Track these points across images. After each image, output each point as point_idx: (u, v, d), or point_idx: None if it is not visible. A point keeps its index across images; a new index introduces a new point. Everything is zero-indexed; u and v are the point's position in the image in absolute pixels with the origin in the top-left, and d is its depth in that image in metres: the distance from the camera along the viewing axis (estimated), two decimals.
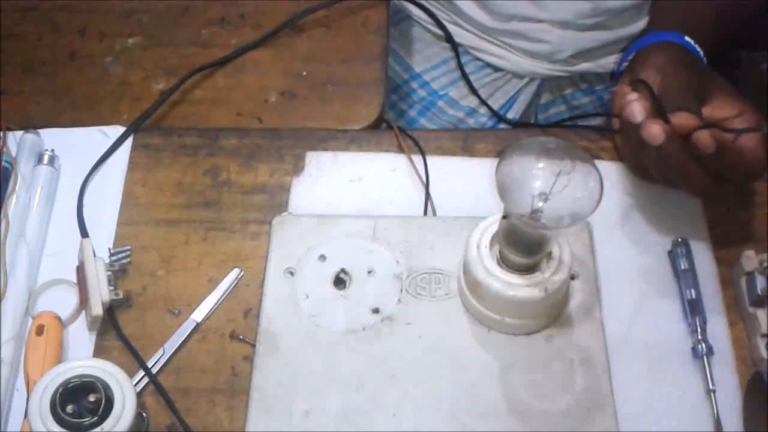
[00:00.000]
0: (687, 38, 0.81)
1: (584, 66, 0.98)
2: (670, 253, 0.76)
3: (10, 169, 0.79)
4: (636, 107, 0.71)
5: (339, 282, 0.74)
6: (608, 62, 0.98)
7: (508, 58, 0.99)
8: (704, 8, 0.85)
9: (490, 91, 1.01)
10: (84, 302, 0.72)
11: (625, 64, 0.85)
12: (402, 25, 1.04)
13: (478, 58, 1.01)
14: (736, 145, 0.70)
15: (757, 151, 0.70)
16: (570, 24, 0.94)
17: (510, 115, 1.01)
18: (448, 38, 0.98)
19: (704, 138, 0.68)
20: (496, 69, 1.00)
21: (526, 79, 1.00)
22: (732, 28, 0.89)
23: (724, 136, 0.69)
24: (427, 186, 0.80)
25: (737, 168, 0.71)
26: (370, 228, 0.76)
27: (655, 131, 0.69)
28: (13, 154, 0.80)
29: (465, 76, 0.96)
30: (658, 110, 0.71)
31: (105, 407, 0.62)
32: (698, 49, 0.81)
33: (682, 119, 0.70)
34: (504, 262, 0.68)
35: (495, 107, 0.99)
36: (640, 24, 0.93)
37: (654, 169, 0.74)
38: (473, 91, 0.96)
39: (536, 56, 0.98)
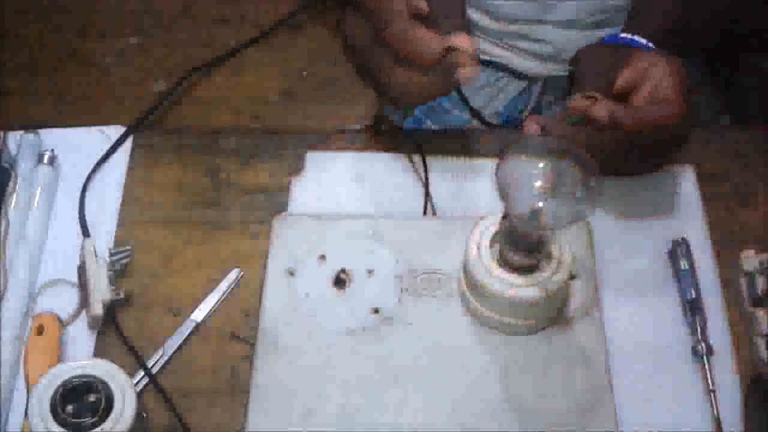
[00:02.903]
0: (622, 35, 0.79)
1: None
2: (670, 253, 0.76)
3: (10, 169, 0.78)
4: (578, 98, 0.71)
5: (339, 282, 0.74)
6: None
7: (512, 60, 0.99)
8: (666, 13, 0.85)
9: (494, 92, 1.01)
10: (84, 302, 0.72)
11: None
12: None
13: (481, 60, 1.00)
14: (651, 101, 0.70)
15: (672, 97, 0.70)
16: (573, 23, 0.94)
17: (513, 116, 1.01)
18: None
19: (595, 111, 0.69)
20: (500, 69, 1.00)
21: (530, 80, 1.00)
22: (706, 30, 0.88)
23: (616, 104, 0.70)
24: (426, 186, 0.80)
25: (660, 127, 0.71)
26: (370, 228, 0.76)
27: (530, 129, 0.71)
28: (13, 154, 0.80)
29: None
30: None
31: (105, 407, 0.62)
32: (638, 39, 0.79)
33: (574, 102, 0.70)
34: (504, 262, 0.68)
35: (499, 108, 0.99)
36: None
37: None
38: (464, 100, 0.95)
39: (540, 57, 0.98)
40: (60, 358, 0.70)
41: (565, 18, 0.94)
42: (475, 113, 0.93)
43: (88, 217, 0.78)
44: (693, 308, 0.72)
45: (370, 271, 0.74)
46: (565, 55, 0.96)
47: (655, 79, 0.72)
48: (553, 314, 0.71)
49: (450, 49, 0.69)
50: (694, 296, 0.73)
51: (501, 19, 0.96)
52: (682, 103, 0.71)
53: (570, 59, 0.80)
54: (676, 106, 0.71)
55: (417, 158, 0.82)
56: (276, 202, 0.80)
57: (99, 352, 0.72)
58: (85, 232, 0.77)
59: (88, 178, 0.81)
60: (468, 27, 0.78)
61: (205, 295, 0.74)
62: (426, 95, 0.73)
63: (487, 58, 1.00)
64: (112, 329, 0.72)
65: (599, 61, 0.75)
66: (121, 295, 0.73)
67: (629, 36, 0.79)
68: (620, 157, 0.74)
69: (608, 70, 0.74)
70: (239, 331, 0.73)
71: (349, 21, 0.73)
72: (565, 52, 0.96)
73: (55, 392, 0.62)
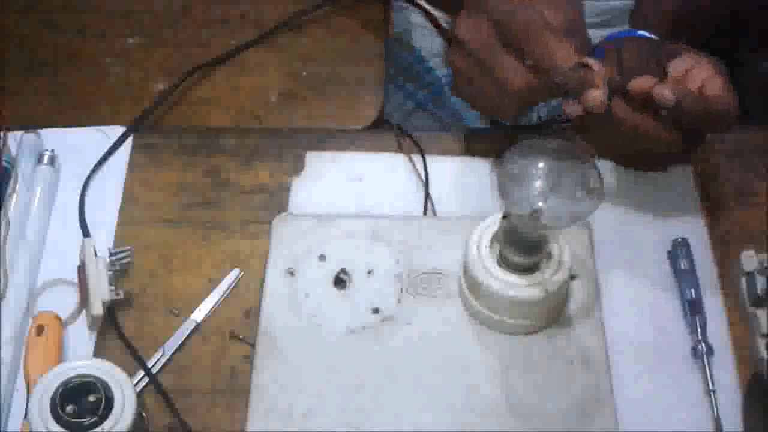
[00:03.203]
0: (640, 32, 0.79)
1: None
2: (670, 253, 0.76)
3: (10, 169, 0.78)
4: (569, 110, 0.70)
5: (339, 282, 0.74)
6: None
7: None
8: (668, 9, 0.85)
9: None
10: (84, 302, 0.72)
11: None
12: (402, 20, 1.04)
13: None
14: (701, 96, 0.69)
15: (723, 94, 0.70)
16: None
17: None
18: (446, 38, 0.98)
19: (662, 91, 0.68)
20: None
21: None
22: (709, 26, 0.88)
23: (685, 87, 0.69)
24: (426, 186, 0.80)
25: (707, 117, 0.70)
26: (370, 228, 0.76)
27: (593, 95, 0.67)
28: (13, 154, 0.80)
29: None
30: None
31: (105, 407, 0.62)
32: (653, 36, 0.79)
33: (637, 83, 0.69)
34: (504, 262, 0.68)
35: None
36: None
37: (624, 145, 0.73)
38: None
39: None
40: (60, 358, 0.70)
41: None
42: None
43: (88, 217, 0.78)
44: (693, 308, 0.72)
45: (370, 271, 0.74)
46: None
47: (701, 78, 0.71)
48: (553, 314, 0.71)
49: (582, 65, 0.68)
50: (694, 296, 0.73)
51: None
52: (733, 99, 0.71)
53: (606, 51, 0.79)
54: (730, 102, 0.71)
55: (417, 158, 0.82)
56: (276, 202, 0.80)
57: (99, 352, 0.72)
58: (85, 232, 0.77)
59: (88, 178, 0.81)
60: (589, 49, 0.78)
61: (205, 295, 0.74)
62: (535, 100, 0.74)
63: None
64: (112, 329, 0.73)
65: (636, 52, 0.74)
66: (121, 295, 0.73)
67: (628, 31, 0.79)
68: (663, 145, 0.72)
69: (647, 64, 0.73)
70: (239, 331, 0.72)
71: (465, 23, 0.73)
72: None
73: (55, 392, 0.62)
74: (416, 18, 1.03)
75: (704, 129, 0.73)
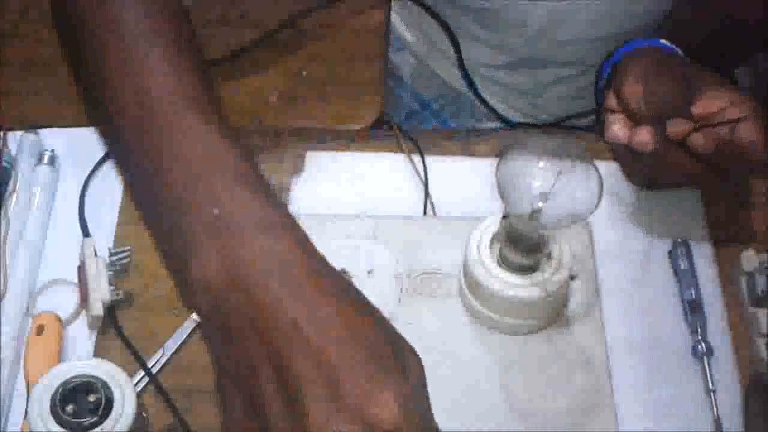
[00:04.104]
0: (662, 41, 0.78)
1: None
2: (670, 253, 0.76)
3: (10, 169, 0.78)
4: (616, 130, 0.70)
5: None
6: None
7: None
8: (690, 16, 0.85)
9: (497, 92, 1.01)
10: (84, 302, 0.72)
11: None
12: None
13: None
14: (734, 139, 0.68)
15: (756, 139, 0.68)
16: (579, 62, 0.94)
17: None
18: (449, 36, 0.97)
19: (699, 140, 0.67)
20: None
21: None
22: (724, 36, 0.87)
23: (719, 134, 0.68)
24: (426, 186, 0.80)
25: (739, 160, 0.69)
26: (370, 228, 0.76)
27: (644, 138, 0.68)
28: (13, 154, 0.80)
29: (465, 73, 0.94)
30: (644, 118, 0.70)
31: (105, 407, 0.62)
32: (676, 48, 0.78)
33: (675, 127, 0.68)
34: (504, 262, 0.68)
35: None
36: None
37: (655, 174, 0.74)
38: (476, 94, 0.95)
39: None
40: (60, 358, 0.70)
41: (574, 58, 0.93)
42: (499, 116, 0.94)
43: (88, 217, 0.78)
44: (693, 308, 0.72)
45: (370, 271, 0.74)
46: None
47: (735, 116, 0.69)
48: (553, 314, 0.71)
49: None
50: (694, 296, 0.73)
51: (507, 56, 0.98)
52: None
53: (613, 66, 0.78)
54: (763, 148, 0.69)
55: (417, 158, 0.82)
56: None
57: (99, 352, 0.72)
58: (85, 232, 0.77)
59: (88, 178, 0.81)
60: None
61: None
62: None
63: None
64: (112, 329, 0.72)
65: (666, 82, 0.72)
66: (121, 295, 0.73)
67: (651, 40, 0.78)
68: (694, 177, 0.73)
69: (683, 91, 0.71)
70: None
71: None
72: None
73: (55, 392, 0.62)
74: (417, 18, 1.03)
75: (735, 171, 0.72)
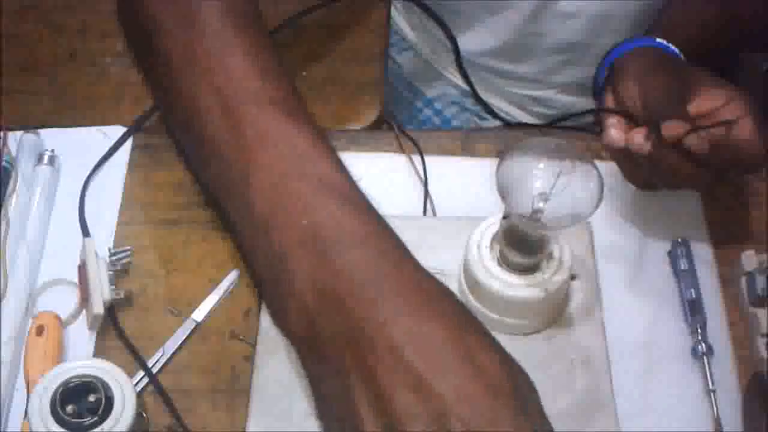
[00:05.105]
0: (658, 39, 0.78)
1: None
2: (670, 253, 0.76)
3: (10, 169, 0.79)
4: (612, 133, 0.70)
5: None
6: None
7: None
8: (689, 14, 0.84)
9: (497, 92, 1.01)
10: (85, 302, 0.72)
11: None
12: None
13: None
14: (730, 139, 0.68)
15: (752, 139, 0.68)
16: (579, 44, 0.94)
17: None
18: (447, 35, 0.97)
19: (694, 140, 0.67)
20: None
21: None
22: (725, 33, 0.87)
23: (715, 135, 0.68)
24: (426, 186, 0.80)
25: (736, 160, 0.69)
26: None
27: (640, 141, 0.68)
28: (13, 154, 0.80)
29: (466, 77, 0.94)
30: (641, 119, 0.71)
31: (105, 407, 0.62)
32: (672, 47, 0.78)
33: (671, 129, 0.68)
34: (504, 262, 0.68)
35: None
36: None
37: (653, 177, 0.74)
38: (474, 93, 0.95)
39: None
40: (60, 358, 0.70)
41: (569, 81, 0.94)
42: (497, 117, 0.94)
43: (88, 217, 0.78)
44: (693, 308, 0.72)
45: None
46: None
47: (731, 117, 0.69)
48: (553, 314, 0.71)
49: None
50: (694, 296, 0.73)
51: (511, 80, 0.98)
52: (764, 142, 0.69)
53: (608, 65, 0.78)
54: (760, 147, 0.69)
55: (417, 158, 0.82)
56: None
57: (99, 352, 0.72)
58: (85, 232, 0.77)
59: (88, 178, 0.81)
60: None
61: (205, 295, 0.74)
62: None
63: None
64: (112, 329, 0.73)
65: (664, 83, 0.72)
66: (121, 295, 0.73)
67: (648, 39, 0.78)
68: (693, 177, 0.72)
69: (679, 92, 0.71)
70: (239, 331, 0.72)
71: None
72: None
73: (55, 392, 0.62)
74: (419, 18, 1.03)
75: (731, 171, 0.72)
